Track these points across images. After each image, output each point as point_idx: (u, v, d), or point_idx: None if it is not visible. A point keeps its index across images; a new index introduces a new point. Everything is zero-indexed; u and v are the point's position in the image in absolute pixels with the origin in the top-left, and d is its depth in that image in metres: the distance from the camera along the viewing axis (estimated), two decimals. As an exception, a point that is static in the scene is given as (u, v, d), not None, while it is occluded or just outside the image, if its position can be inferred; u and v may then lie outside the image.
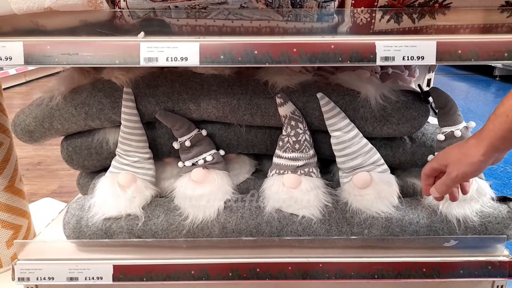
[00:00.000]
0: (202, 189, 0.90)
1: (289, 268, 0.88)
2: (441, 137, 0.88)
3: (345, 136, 0.87)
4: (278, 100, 0.88)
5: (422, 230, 0.88)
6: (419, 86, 0.95)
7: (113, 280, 0.88)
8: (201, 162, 0.92)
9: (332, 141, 0.89)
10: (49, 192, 1.78)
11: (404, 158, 0.95)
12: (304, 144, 0.90)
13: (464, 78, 4.56)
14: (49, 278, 0.89)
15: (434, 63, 0.71)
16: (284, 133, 0.91)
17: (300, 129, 0.89)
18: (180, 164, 0.95)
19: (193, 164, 0.93)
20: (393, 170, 1.03)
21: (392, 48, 0.71)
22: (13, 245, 1.12)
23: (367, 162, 0.88)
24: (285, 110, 0.89)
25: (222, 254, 0.89)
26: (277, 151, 0.93)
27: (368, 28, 0.74)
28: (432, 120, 1.10)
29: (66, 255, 0.91)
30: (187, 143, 0.92)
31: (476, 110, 3.25)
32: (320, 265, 0.87)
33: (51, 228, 1.04)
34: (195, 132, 0.93)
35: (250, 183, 1.01)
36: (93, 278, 0.88)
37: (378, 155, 0.90)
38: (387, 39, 0.70)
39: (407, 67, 1.19)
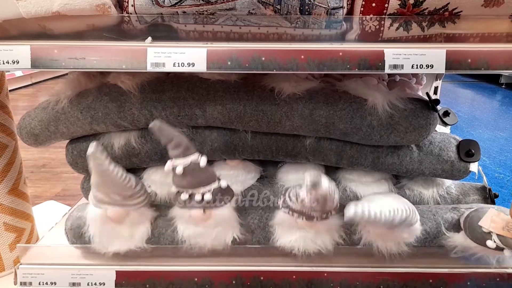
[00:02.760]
0: (205, 229, 0.85)
1: (293, 277, 0.87)
2: None
3: None
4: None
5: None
6: (427, 94, 0.94)
7: (116, 286, 0.87)
8: (198, 198, 0.80)
9: None
10: (53, 195, 1.78)
11: (411, 167, 0.94)
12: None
13: (470, 86, 4.54)
14: (52, 283, 0.88)
15: (443, 72, 0.70)
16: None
17: None
18: (173, 188, 0.84)
19: (189, 196, 0.82)
20: (400, 178, 1.03)
21: (401, 56, 0.70)
22: (16, 249, 1.11)
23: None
24: None
25: (225, 262, 0.88)
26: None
27: (377, 36, 0.74)
28: (440, 128, 1.09)
29: (68, 260, 0.90)
30: (179, 170, 0.77)
31: (481, 118, 3.23)
32: (325, 274, 0.86)
33: (54, 232, 1.04)
34: (192, 158, 0.79)
35: (254, 190, 1.00)
36: (95, 284, 0.88)
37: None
38: (396, 47, 0.70)
39: (414, 75, 1.18)
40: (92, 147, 0.76)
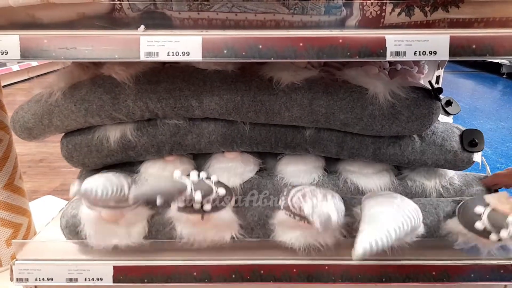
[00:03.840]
0: (205, 231, 0.84)
1: (294, 270, 0.85)
2: None
3: None
4: None
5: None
6: (430, 82, 0.92)
7: (113, 281, 0.86)
8: (197, 206, 0.78)
9: None
10: (51, 190, 1.77)
11: (413, 157, 0.92)
12: None
13: (471, 76, 4.51)
14: (48, 279, 0.87)
15: (447, 59, 0.68)
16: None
17: None
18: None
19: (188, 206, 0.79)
20: (402, 169, 1.01)
21: (403, 43, 0.68)
22: (12, 244, 1.10)
23: None
24: None
25: (224, 256, 0.87)
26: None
27: (378, 22, 0.71)
28: (443, 118, 1.07)
29: (65, 256, 0.88)
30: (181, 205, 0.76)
31: (483, 108, 3.20)
32: (326, 267, 0.85)
33: (50, 227, 1.02)
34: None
35: (254, 182, 0.98)
36: (93, 279, 0.86)
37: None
38: (398, 33, 0.67)
39: (416, 63, 1.16)
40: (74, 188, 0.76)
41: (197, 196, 0.75)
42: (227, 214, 0.84)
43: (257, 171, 1.01)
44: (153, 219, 0.89)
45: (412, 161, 0.92)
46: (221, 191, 0.80)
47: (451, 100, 1.12)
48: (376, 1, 0.68)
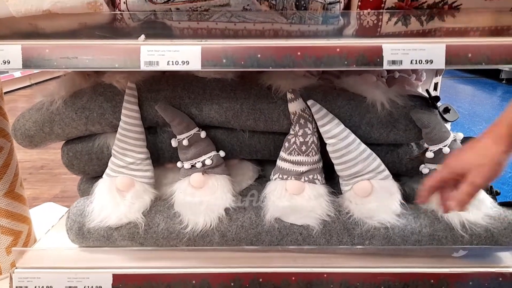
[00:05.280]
0: (201, 196, 0.88)
1: (293, 278, 0.85)
2: (430, 154, 0.86)
3: (341, 143, 0.85)
4: (289, 96, 0.86)
5: (425, 239, 0.85)
6: (427, 91, 0.92)
7: (113, 289, 0.86)
8: (199, 165, 0.90)
9: (328, 148, 0.87)
10: (51, 197, 1.77)
11: (411, 165, 0.92)
12: (311, 147, 0.87)
13: (470, 81, 4.52)
14: (48, 287, 0.87)
15: (443, 67, 0.68)
16: (291, 132, 0.88)
17: (309, 129, 0.87)
18: (179, 164, 0.93)
19: (192, 166, 0.91)
20: (400, 176, 1.01)
21: (399, 52, 0.68)
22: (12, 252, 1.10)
23: (367, 169, 0.86)
24: (295, 106, 0.86)
25: (224, 263, 0.87)
26: (282, 153, 0.91)
27: (375, 31, 0.72)
28: (440, 125, 1.07)
29: (65, 264, 0.89)
30: (185, 142, 0.89)
31: (482, 114, 3.21)
32: (325, 275, 0.85)
33: (50, 235, 1.03)
34: (194, 131, 0.90)
35: (253, 190, 0.98)
36: (92, 287, 0.86)
37: (378, 161, 0.87)
38: (394, 42, 0.68)
39: (414, 71, 1.17)
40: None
41: (203, 133, 0.92)
42: (223, 179, 0.91)
43: (257, 178, 1.02)
44: (156, 201, 0.93)
45: (410, 169, 0.93)
46: (222, 153, 0.93)
47: (449, 107, 1.12)
48: (373, 11, 0.69)
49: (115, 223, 0.88)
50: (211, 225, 0.87)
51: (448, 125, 1.11)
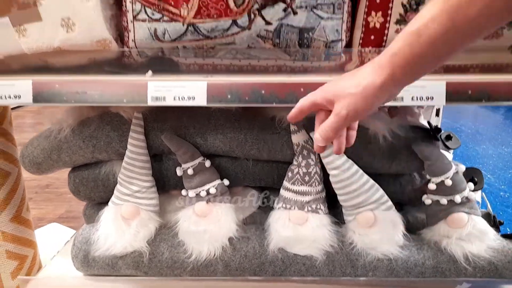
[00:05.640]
0: (206, 225, 0.89)
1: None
2: (432, 186, 0.86)
3: (344, 174, 0.86)
4: (292, 127, 0.88)
5: (428, 271, 0.85)
6: (428, 122, 0.93)
7: (117, 317, 0.87)
8: (203, 194, 0.91)
9: (331, 179, 0.88)
10: (56, 217, 1.78)
11: (414, 195, 0.93)
12: (314, 177, 0.89)
13: (474, 99, 4.51)
14: (52, 315, 0.88)
15: (444, 104, 0.70)
16: (294, 163, 0.90)
17: (312, 160, 0.88)
18: (183, 192, 0.94)
19: (196, 195, 0.92)
20: (402, 205, 1.02)
21: (400, 88, 0.70)
22: (17, 276, 1.10)
23: (370, 200, 0.86)
24: (298, 138, 0.88)
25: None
26: (285, 183, 0.92)
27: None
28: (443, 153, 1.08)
29: (69, 291, 0.90)
30: (190, 171, 0.90)
31: (485, 133, 3.21)
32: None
33: (56, 261, 1.04)
34: (198, 160, 0.91)
35: (256, 217, 0.99)
36: (96, 316, 0.87)
37: (381, 192, 0.88)
38: (395, 79, 0.69)
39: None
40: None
41: (207, 162, 0.93)
42: (228, 207, 0.92)
43: (260, 206, 1.03)
44: (161, 229, 0.94)
45: (413, 198, 0.94)
46: (226, 181, 0.94)
47: (451, 135, 1.13)
48: (374, 48, 0.70)
49: (120, 252, 0.89)
50: (215, 254, 0.88)
51: (450, 153, 1.12)
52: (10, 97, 0.72)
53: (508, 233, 0.89)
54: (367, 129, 0.87)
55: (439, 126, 0.93)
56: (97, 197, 1.01)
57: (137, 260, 0.89)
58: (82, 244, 0.92)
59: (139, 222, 0.91)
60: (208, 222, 0.89)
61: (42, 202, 1.92)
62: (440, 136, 0.99)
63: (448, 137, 1.10)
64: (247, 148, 0.91)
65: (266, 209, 1.01)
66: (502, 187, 2.01)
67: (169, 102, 0.71)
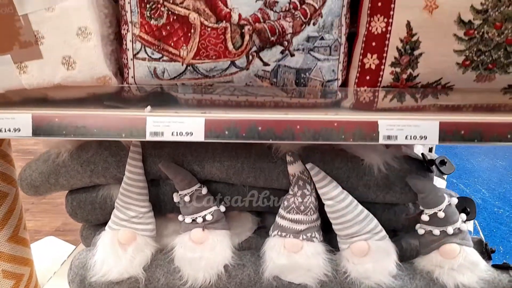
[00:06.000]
0: (201, 252, 0.90)
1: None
2: (425, 217, 0.88)
3: (339, 205, 0.87)
4: (288, 158, 0.89)
5: (422, 301, 0.86)
6: (422, 154, 0.95)
7: None
8: (200, 220, 0.91)
9: (326, 209, 0.89)
10: (53, 230, 1.79)
11: (408, 223, 0.94)
12: (310, 207, 0.90)
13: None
14: None
15: (437, 143, 0.71)
16: (290, 192, 0.91)
17: (308, 190, 0.89)
18: (180, 217, 0.95)
19: (192, 221, 0.93)
20: (396, 231, 1.03)
21: (395, 127, 0.71)
22: (13, 296, 1.11)
23: (364, 230, 0.88)
24: (294, 169, 0.89)
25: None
26: (281, 211, 0.93)
27: (371, 106, 0.75)
28: (437, 179, 1.10)
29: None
30: (187, 198, 0.91)
31: (480, 146, 3.23)
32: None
33: (52, 283, 1.04)
34: (195, 187, 0.92)
35: (252, 242, 1.00)
36: None
37: (375, 222, 0.89)
38: (390, 118, 0.71)
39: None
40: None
41: (204, 189, 0.93)
42: (223, 234, 0.93)
43: (256, 230, 1.04)
44: (157, 254, 0.95)
45: (407, 226, 0.95)
46: (222, 208, 0.95)
47: (445, 160, 1.15)
48: (369, 88, 0.72)
49: (116, 278, 0.90)
50: (210, 281, 0.89)
51: (443, 179, 1.13)
52: (10, 130, 0.73)
53: (499, 263, 0.90)
54: (362, 161, 0.88)
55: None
56: (94, 219, 1.02)
57: (133, 286, 0.90)
58: (78, 269, 0.93)
59: (135, 247, 0.92)
60: (204, 249, 0.91)
61: (38, 214, 1.92)
62: (435, 161, 1.01)
63: (442, 162, 1.12)
64: (244, 176, 0.92)
65: (262, 233, 1.03)
66: (496, 203, 2.03)
67: (167, 137, 0.72)
